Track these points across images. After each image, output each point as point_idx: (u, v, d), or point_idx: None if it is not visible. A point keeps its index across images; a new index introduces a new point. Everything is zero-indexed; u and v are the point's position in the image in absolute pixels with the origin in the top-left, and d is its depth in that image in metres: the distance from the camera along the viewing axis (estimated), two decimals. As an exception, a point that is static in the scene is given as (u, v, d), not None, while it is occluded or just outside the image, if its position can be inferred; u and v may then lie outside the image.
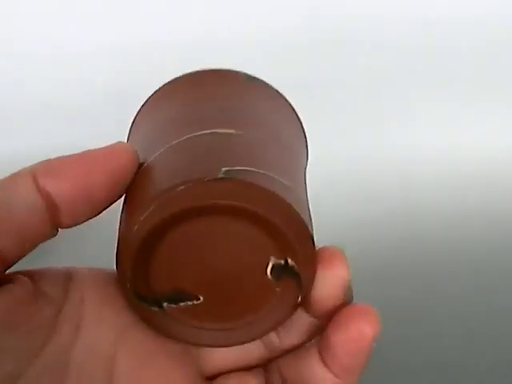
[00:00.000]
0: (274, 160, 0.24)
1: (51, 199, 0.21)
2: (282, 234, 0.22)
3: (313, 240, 0.23)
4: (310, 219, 0.24)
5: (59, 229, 0.23)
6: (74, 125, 0.50)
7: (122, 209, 0.23)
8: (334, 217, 0.48)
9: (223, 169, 0.21)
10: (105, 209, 0.23)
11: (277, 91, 0.29)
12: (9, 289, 0.21)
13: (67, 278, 0.23)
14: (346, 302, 0.24)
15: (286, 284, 0.23)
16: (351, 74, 0.53)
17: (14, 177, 0.22)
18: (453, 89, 0.55)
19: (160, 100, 0.28)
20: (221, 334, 0.24)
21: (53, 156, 0.22)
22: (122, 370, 0.23)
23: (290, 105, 0.29)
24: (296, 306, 0.24)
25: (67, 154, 0.23)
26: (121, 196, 0.23)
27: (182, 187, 0.21)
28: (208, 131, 0.24)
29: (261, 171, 0.22)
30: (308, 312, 0.25)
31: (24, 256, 0.22)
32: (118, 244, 0.22)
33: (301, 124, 0.29)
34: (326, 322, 0.24)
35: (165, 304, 0.23)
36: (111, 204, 0.23)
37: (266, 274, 0.23)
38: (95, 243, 0.40)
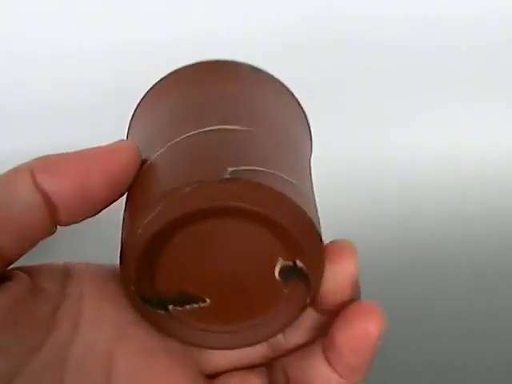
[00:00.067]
0: (282, 157, 0.23)
1: (48, 197, 0.21)
2: (290, 236, 0.21)
3: (321, 240, 0.22)
4: (318, 218, 0.23)
5: (58, 226, 0.23)
6: (73, 125, 0.50)
7: (125, 208, 0.23)
8: (333, 217, 0.48)
9: (230, 169, 0.21)
10: (105, 208, 0.23)
11: (281, 83, 0.28)
12: (8, 286, 0.21)
13: (65, 273, 0.23)
14: (353, 297, 0.23)
15: (294, 285, 0.23)
16: (351, 74, 0.53)
17: (13, 174, 0.21)
18: (453, 89, 0.55)
19: (160, 93, 0.27)
20: (227, 337, 0.23)
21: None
22: (121, 367, 0.23)
23: (295, 97, 0.28)
24: (304, 308, 0.23)
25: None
26: (122, 195, 0.23)
27: (188, 188, 0.20)
28: (213, 128, 0.23)
29: (269, 170, 0.21)
30: (315, 307, 0.24)
31: (24, 254, 0.22)
32: (122, 246, 0.22)
33: (305, 116, 0.29)
34: (331, 320, 0.24)
35: (170, 306, 0.23)
36: (111, 203, 0.23)
37: (274, 275, 0.22)
38: (94, 240, 0.40)
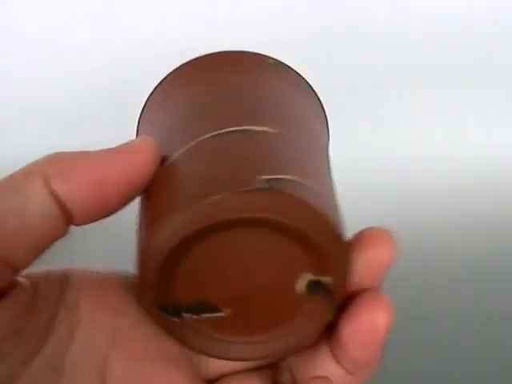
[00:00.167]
0: (311, 164, 0.22)
1: (63, 204, 0.21)
2: (318, 251, 0.20)
3: (349, 255, 0.21)
4: (345, 229, 0.22)
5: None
6: (73, 125, 0.50)
7: (142, 210, 0.22)
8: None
9: (259, 177, 0.20)
10: (118, 210, 0.22)
11: (302, 77, 0.27)
12: (13, 296, 0.21)
13: (63, 279, 0.23)
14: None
15: (316, 300, 0.22)
16: (351, 75, 0.53)
17: (24, 178, 0.20)
18: (453, 89, 0.55)
19: (181, 81, 0.25)
20: (241, 348, 0.23)
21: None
22: (117, 372, 0.22)
23: (315, 92, 0.27)
24: (325, 323, 0.22)
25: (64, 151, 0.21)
26: (137, 196, 0.22)
27: (216, 197, 0.19)
28: (241, 128, 0.22)
29: (298, 179, 0.20)
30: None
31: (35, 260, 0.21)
32: (142, 252, 0.20)
33: (324, 112, 0.27)
34: (337, 316, 0.23)
35: (186, 314, 0.22)
36: (126, 205, 0.22)
37: (296, 289, 0.21)
38: (94, 237, 0.40)
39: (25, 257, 0.21)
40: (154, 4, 0.50)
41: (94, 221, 0.22)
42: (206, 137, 0.22)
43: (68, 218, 0.21)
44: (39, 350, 0.21)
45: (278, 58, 0.26)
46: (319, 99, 0.27)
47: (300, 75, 0.27)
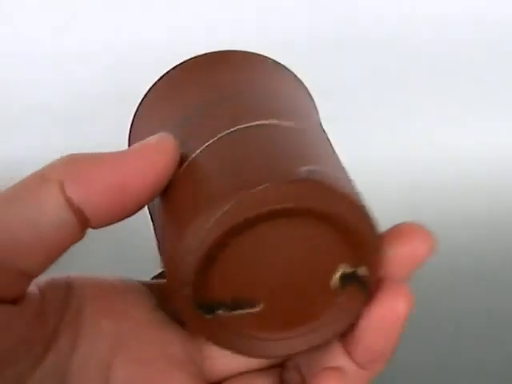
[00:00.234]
0: (330, 155, 0.22)
1: (81, 212, 0.20)
2: (359, 241, 0.20)
3: (383, 247, 0.21)
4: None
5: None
6: (74, 126, 0.50)
7: (164, 209, 0.21)
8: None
9: (303, 168, 0.19)
10: (137, 212, 0.21)
11: (294, 75, 0.26)
12: (26, 303, 0.21)
13: (67, 287, 0.23)
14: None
15: (350, 294, 0.21)
16: (351, 75, 0.53)
17: (39, 184, 0.20)
18: (453, 89, 0.55)
19: (188, 78, 0.25)
20: (273, 345, 0.22)
21: (54, 156, 0.21)
22: (120, 377, 0.22)
23: (306, 87, 0.27)
24: (357, 318, 0.22)
25: (77, 152, 0.21)
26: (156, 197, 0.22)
27: (261, 187, 0.19)
28: (266, 122, 0.21)
29: (332, 171, 0.20)
30: None
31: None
32: (178, 249, 0.20)
33: (315, 106, 0.27)
34: None
35: (219, 311, 0.21)
36: (144, 207, 0.22)
37: (332, 282, 0.21)
38: (94, 237, 0.40)
39: (39, 265, 0.20)
40: (155, 5, 0.50)
41: (112, 223, 0.21)
42: (227, 131, 0.21)
43: (85, 223, 0.20)
44: (44, 356, 0.21)
45: (275, 58, 0.26)
46: (308, 91, 0.27)
47: (288, 69, 0.27)
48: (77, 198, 0.20)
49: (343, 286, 0.21)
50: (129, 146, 0.26)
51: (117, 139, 0.27)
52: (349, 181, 0.21)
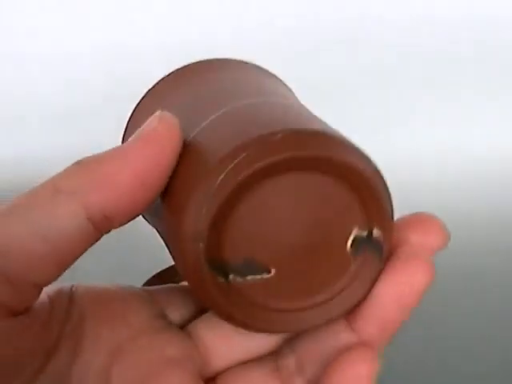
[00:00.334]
0: (318, 119, 0.22)
1: (102, 218, 0.20)
2: (375, 199, 0.20)
3: (393, 210, 0.21)
4: None
5: None
6: (73, 124, 0.50)
7: (173, 176, 0.21)
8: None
9: (306, 126, 0.20)
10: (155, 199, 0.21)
11: (260, 67, 0.27)
12: (36, 313, 0.21)
13: (70, 296, 0.23)
14: None
15: (365, 259, 0.21)
16: (351, 75, 0.53)
17: (52, 199, 0.19)
18: (453, 89, 0.55)
19: (169, 87, 0.26)
20: (288, 316, 0.21)
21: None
22: (120, 382, 0.22)
23: (283, 82, 0.28)
24: (374, 283, 0.21)
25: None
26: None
27: (280, 135, 0.19)
28: (256, 100, 0.22)
29: (333, 131, 0.21)
30: None
31: None
32: (192, 202, 0.19)
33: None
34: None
35: (231, 276, 0.20)
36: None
37: (346, 247, 0.21)
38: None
39: (51, 276, 0.20)
40: (155, 6, 0.50)
41: (134, 218, 0.21)
42: (224, 109, 0.21)
43: (107, 227, 0.20)
44: (46, 365, 0.21)
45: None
46: (272, 73, 0.28)
47: (265, 68, 0.28)
48: (98, 206, 0.19)
49: (356, 251, 0.21)
50: (124, 134, 0.27)
51: (117, 138, 0.27)
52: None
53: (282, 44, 0.51)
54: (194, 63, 0.26)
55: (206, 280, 0.20)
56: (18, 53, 0.50)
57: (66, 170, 0.20)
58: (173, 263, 0.23)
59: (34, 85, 0.50)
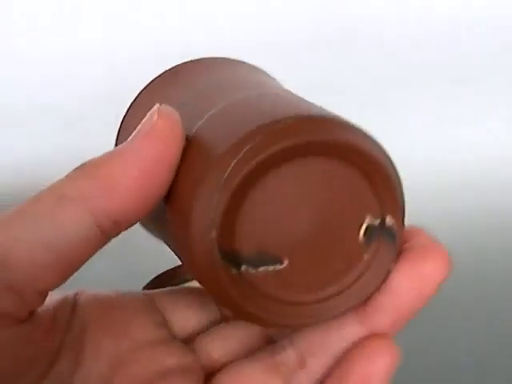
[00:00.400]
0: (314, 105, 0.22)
1: (111, 223, 0.19)
2: (388, 187, 0.20)
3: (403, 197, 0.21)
4: None
5: None
6: (72, 124, 0.50)
7: (181, 166, 0.21)
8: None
9: (313, 113, 0.19)
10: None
11: (246, 62, 0.28)
12: (39, 320, 0.20)
13: (74, 304, 0.23)
14: None
15: (378, 248, 0.21)
16: (351, 75, 0.53)
17: (57, 206, 0.19)
18: (453, 89, 0.55)
19: (162, 88, 0.25)
20: (303, 310, 0.21)
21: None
22: None
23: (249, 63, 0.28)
24: (389, 273, 0.21)
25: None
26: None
27: (289, 121, 0.19)
28: (254, 92, 0.22)
29: (333, 116, 0.20)
30: None
31: None
32: (204, 184, 0.19)
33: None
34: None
35: (244, 268, 0.20)
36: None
37: (359, 236, 0.20)
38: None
39: (56, 283, 0.20)
40: (155, 7, 0.50)
41: (139, 220, 0.21)
42: (226, 102, 0.21)
43: (116, 230, 0.20)
44: (47, 374, 0.21)
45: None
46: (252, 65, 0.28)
47: (257, 66, 0.28)
48: (105, 211, 0.19)
49: (370, 240, 0.21)
50: (119, 131, 0.26)
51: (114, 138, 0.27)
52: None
53: (282, 44, 0.51)
54: (185, 62, 0.26)
55: (219, 271, 0.20)
56: (19, 53, 0.50)
57: (69, 175, 0.20)
58: (172, 266, 0.23)
59: (34, 86, 0.50)
